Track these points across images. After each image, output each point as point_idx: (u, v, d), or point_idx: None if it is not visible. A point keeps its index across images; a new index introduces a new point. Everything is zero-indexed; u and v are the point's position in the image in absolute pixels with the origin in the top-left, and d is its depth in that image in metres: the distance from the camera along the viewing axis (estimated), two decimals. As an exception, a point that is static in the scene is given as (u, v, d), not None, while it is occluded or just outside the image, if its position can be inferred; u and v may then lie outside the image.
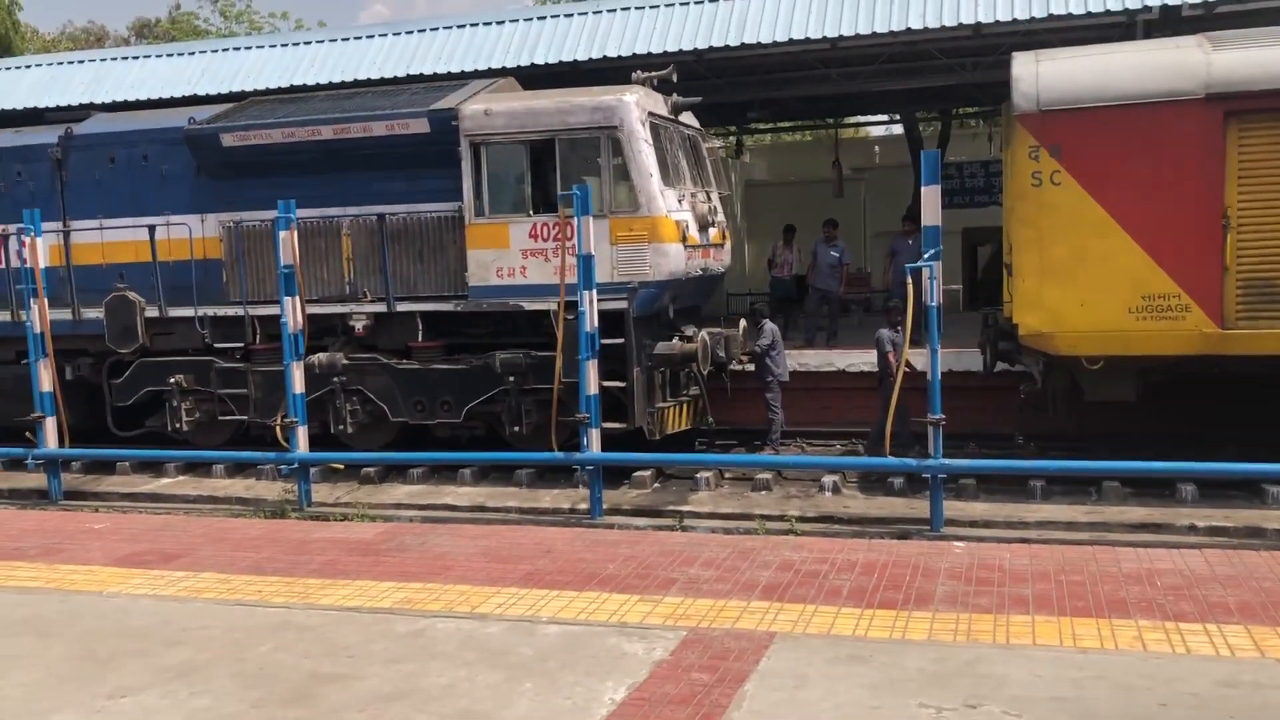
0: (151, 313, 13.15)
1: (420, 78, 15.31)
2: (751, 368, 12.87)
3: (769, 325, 12.53)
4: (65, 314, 13.27)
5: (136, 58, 18.55)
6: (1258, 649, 5.46)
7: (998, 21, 13.46)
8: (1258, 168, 9.57)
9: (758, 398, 12.70)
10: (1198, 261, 9.70)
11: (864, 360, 13.40)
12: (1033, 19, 13.32)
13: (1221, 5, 12.80)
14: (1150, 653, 5.48)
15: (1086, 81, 9.98)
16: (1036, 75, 10.07)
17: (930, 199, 9.26)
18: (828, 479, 11.18)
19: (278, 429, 11.73)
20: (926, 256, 9.16)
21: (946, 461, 9.53)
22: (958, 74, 15.82)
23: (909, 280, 9.46)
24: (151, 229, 12.92)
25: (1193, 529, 9.35)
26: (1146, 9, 12.94)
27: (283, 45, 17.61)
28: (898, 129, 23.78)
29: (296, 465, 11.28)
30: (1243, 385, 10.57)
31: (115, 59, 18.67)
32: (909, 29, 13.78)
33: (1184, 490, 10.09)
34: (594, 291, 10.22)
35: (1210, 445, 10.71)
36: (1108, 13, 13.10)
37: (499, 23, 16.04)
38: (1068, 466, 10.17)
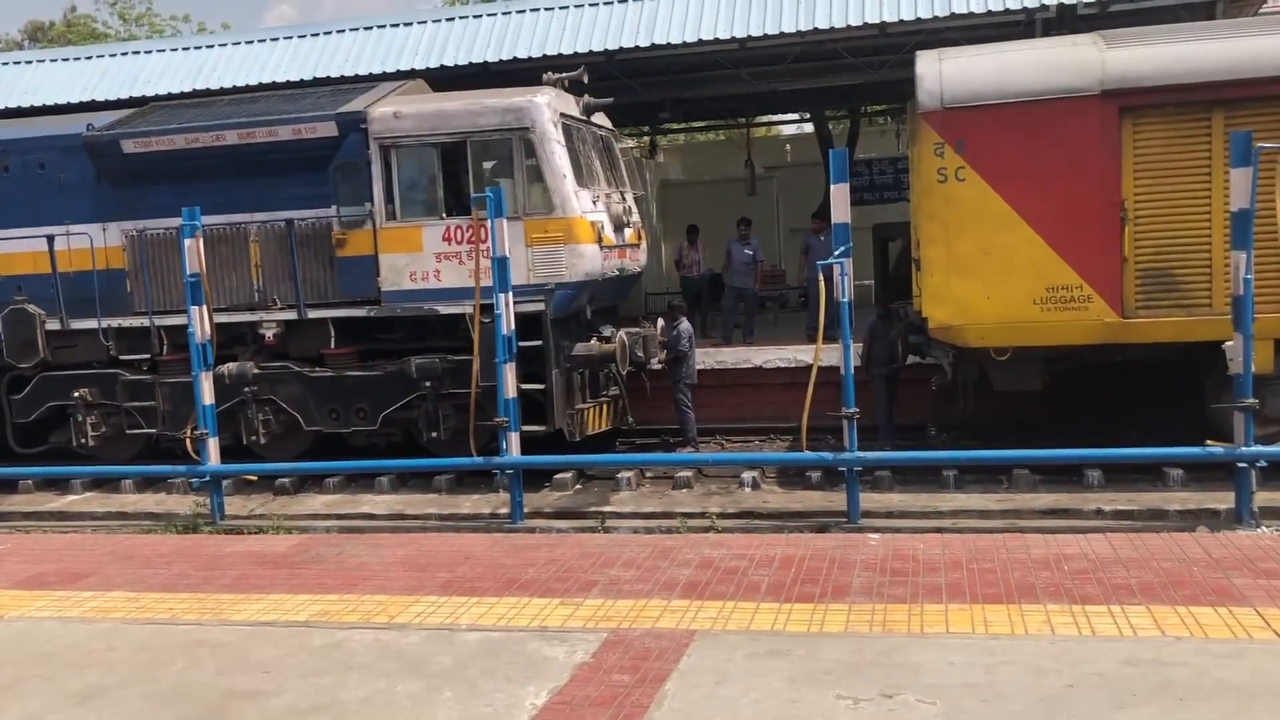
0: (52, 325, 12.75)
1: (328, 80, 15.11)
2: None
3: (685, 326, 12.56)
4: (-41, 329, 12.82)
5: (30, 61, 17.99)
6: (1158, 628, 5.64)
7: (901, 20, 13.71)
8: (1152, 161, 9.89)
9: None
10: (1098, 253, 9.99)
11: (780, 357, 13.57)
12: (935, 17, 13.59)
13: (1115, 4, 13.19)
14: (1058, 636, 5.63)
15: (988, 79, 10.21)
16: (940, 73, 10.27)
17: (839, 196, 9.38)
18: (747, 475, 11.27)
19: (188, 441, 11.46)
20: (837, 253, 9.27)
21: (861, 454, 9.66)
22: (864, 73, 16.07)
23: (821, 276, 9.58)
24: (50, 239, 12.51)
25: (1099, 513, 9.62)
26: (1044, 7, 13.28)
27: (185, 49, 17.22)
28: (808, 127, 24.10)
29: (208, 478, 11.01)
30: (1144, 371, 10.92)
31: (7, 63, 18.07)
32: (816, 29, 13.96)
33: (1091, 476, 10.37)
34: (510, 294, 10.16)
35: (1115, 430, 11.04)
36: (1007, 11, 13.42)
37: (407, 24, 15.89)
38: (979, 456, 10.38)
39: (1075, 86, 9.93)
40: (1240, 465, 8.84)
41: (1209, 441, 9.14)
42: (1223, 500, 9.29)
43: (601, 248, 11.79)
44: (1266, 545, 7.13)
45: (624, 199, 12.92)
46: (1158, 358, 10.46)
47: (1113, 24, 12.33)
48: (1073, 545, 7.27)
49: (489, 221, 10.04)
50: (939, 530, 8.91)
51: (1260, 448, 8.86)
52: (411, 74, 14.31)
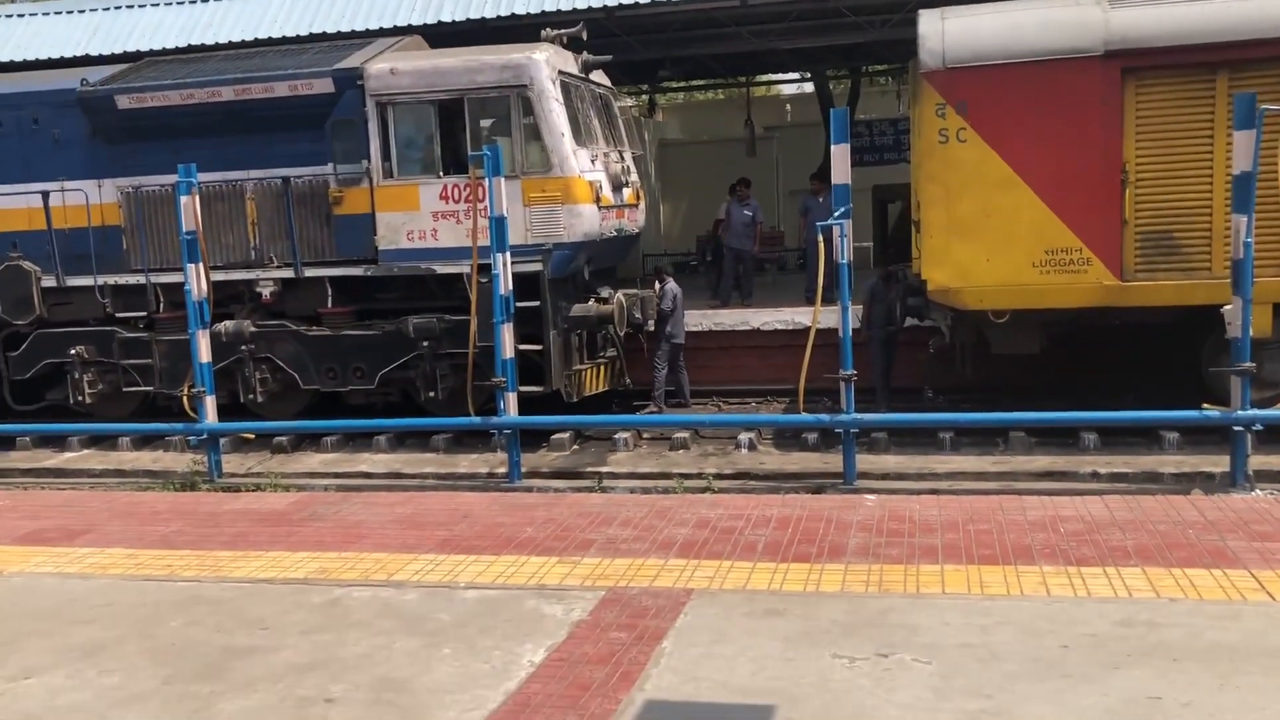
0: (48, 282, 12.73)
1: (324, 36, 14.92)
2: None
3: (672, 286, 12.59)
4: (-45, 286, 12.77)
5: (22, 15, 17.77)
6: (1153, 589, 5.67)
7: (904, -22, 13.57)
8: (1154, 123, 9.82)
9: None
10: (1098, 216, 9.95)
11: (778, 319, 13.54)
12: (938, -24, 13.42)
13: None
14: (1053, 597, 5.66)
15: (990, 39, 10.11)
16: (942, 33, 10.17)
17: (840, 157, 9.31)
18: (744, 436, 11.29)
19: (185, 399, 11.46)
20: (837, 214, 9.23)
21: (859, 416, 9.67)
22: (866, 31, 15.90)
23: (820, 238, 9.54)
24: (45, 195, 12.46)
25: (1095, 476, 9.65)
26: (1048, -33, 13.11)
27: (179, 3, 16.99)
28: (808, 87, 23.90)
29: (205, 436, 11.02)
30: (1142, 335, 10.91)
31: None
32: (818, -14, 13.83)
33: (1087, 439, 10.38)
34: (507, 254, 10.11)
35: (1112, 393, 11.04)
36: (1011, -30, 13.25)
37: (405, -21, 15.66)
38: (975, 418, 10.40)
39: (1078, 47, 9.83)
40: (1236, 429, 8.86)
41: (1205, 405, 9.15)
42: (1218, 464, 9.31)
43: (600, 208, 11.73)
44: (1261, 508, 7.15)
45: (622, 158, 12.85)
46: (1156, 321, 10.44)
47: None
48: (1068, 507, 7.29)
49: (486, 180, 9.98)
50: (935, 492, 8.93)
51: (1257, 411, 8.88)
52: (408, 30, 14.15)
